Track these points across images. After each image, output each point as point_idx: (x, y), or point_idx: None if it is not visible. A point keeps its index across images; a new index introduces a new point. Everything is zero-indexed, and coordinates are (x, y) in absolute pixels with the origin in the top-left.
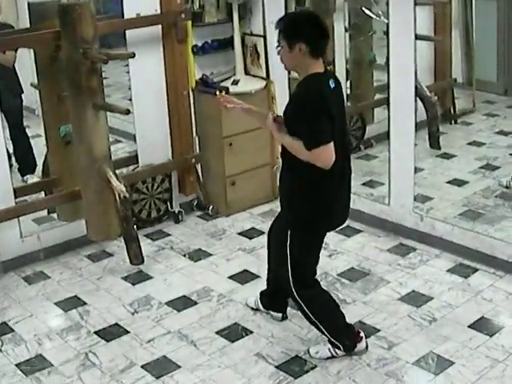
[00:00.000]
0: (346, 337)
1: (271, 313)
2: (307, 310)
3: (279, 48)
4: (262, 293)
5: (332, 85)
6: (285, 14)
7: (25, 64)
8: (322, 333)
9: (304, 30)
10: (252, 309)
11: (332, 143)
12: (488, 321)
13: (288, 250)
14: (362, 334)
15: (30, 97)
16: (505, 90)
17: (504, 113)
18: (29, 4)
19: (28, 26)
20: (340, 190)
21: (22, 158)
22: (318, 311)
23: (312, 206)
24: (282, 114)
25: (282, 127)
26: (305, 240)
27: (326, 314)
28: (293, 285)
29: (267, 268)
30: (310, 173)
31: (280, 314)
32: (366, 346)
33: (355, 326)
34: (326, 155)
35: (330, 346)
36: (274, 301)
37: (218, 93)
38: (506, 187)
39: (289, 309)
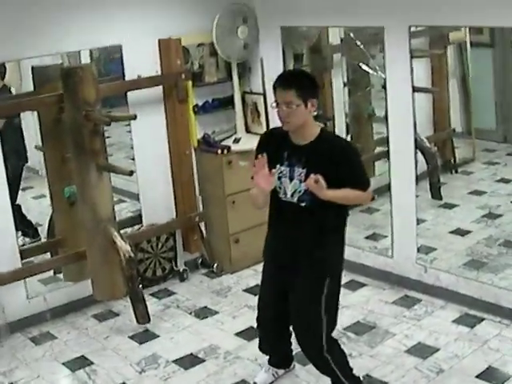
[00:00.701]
0: (357, 383)
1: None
2: (333, 364)
3: (292, 106)
4: (275, 364)
5: None
6: (286, 71)
7: (29, 126)
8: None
9: (316, 87)
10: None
11: None
12: (496, 370)
13: (323, 307)
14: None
15: (34, 157)
16: (504, 137)
17: (504, 160)
18: (32, 68)
19: (31, 89)
20: None
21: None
22: (340, 363)
23: (342, 250)
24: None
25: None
26: (338, 286)
27: (345, 364)
28: (326, 342)
29: (270, 343)
30: (338, 217)
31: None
32: None
33: (362, 380)
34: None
35: None
36: (286, 360)
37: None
38: None
39: (296, 364)
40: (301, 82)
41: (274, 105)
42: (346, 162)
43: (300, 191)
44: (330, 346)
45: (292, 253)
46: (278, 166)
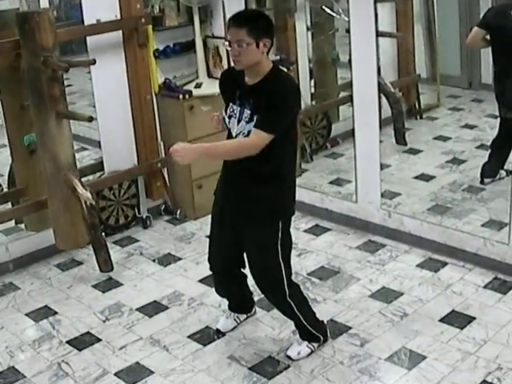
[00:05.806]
0: (321, 326)
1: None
2: (296, 308)
3: (242, 45)
4: (234, 309)
5: None
6: (242, 11)
7: None
8: (304, 328)
9: (271, 27)
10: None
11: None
12: (458, 314)
13: (279, 250)
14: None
15: None
16: (469, 83)
17: (469, 106)
18: None
19: None
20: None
21: None
22: (303, 307)
23: (284, 191)
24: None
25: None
26: (287, 227)
27: (308, 309)
28: (287, 286)
29: (224, 286)
30: (277, 166)
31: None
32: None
33: (327, 325)
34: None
35: (306, 342)
36: (245, 305)
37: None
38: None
39: (259, 310)
40: (253, 20)
41: (227, 43)
42: (273, 99)
43: (244, 133)
44: (290, 290)
45: (234, 195)
46: (230, 104)
